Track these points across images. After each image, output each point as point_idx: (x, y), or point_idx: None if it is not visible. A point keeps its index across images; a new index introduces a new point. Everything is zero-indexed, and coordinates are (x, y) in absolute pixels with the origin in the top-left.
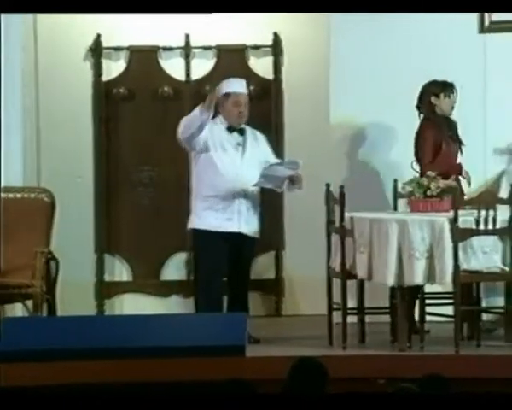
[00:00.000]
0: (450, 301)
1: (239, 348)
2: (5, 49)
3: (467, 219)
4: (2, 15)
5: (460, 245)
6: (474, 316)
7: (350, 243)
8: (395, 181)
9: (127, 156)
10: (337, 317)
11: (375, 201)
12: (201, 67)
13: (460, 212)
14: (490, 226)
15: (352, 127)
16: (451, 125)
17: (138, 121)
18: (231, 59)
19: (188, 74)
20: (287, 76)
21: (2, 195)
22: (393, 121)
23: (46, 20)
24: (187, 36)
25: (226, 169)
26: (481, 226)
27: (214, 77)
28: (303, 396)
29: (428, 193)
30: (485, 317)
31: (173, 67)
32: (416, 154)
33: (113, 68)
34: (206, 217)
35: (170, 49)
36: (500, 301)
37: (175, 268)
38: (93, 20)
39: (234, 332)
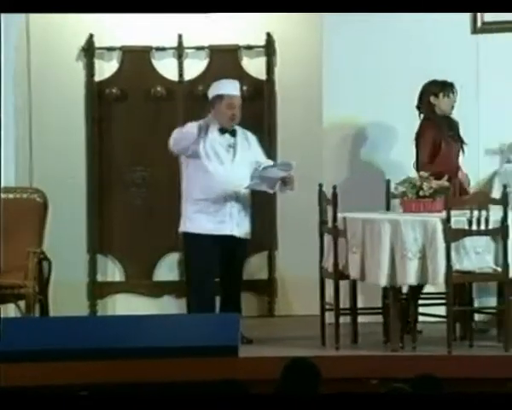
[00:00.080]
0: (443, 301)
1: (232, 348)
2: None
3: (459, 219)
4: None
5: (452, 245)
6: (467, 316)
7: (343, 243)
8: (388, 181)
9: (120, 157)
10: (330, 317)
11: (368, 201)
12: (194, 67)
13: (452, 212)
14: (482, 227)
15: (344, 128)
16: (452, 125)
17: (131, 121)
18: (224, 59)
19: (180, 74)
20: (279, 76)
21: None
22: (387, 121)
23: (39, 20)
24: (180, 36)
25: (217, 172)
26: (474, 227)
27: (207, 77)
28: (296, 397)
29: (421, 193)
30: (477, 317)
31: (166, 67)
32: (417, 154)
33: (106, 68)
34: (198, 220)
35: (162, 49)
36: (492, 302)
37: (167, 269)
38: (85, 20)
39: (226, 333)
